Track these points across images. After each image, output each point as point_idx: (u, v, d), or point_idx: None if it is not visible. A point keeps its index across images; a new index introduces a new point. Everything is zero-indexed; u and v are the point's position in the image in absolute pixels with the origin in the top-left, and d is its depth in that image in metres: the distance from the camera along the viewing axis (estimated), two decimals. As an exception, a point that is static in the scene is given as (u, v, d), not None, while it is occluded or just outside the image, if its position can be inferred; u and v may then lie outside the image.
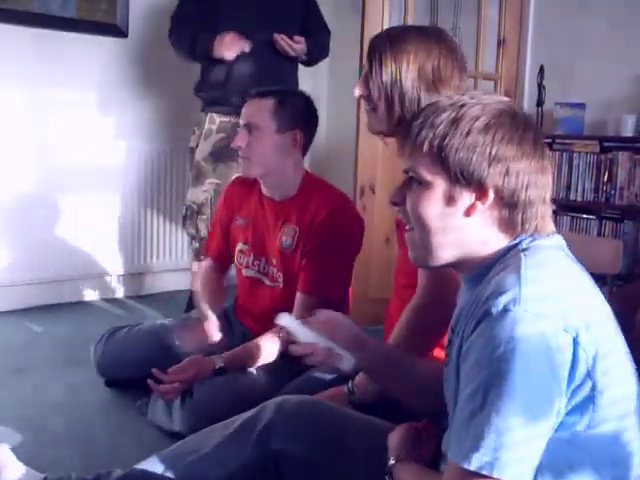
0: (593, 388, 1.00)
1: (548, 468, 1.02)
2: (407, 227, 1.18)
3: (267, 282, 2.26)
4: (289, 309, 2.11)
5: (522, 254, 1.07)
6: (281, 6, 3.08)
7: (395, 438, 1.32)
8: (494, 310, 0.99)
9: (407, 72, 1.57)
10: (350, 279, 2.27)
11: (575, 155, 3.49)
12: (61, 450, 1.99)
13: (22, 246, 3.38)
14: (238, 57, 2.99)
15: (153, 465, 1.47)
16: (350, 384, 1.69)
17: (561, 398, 0.99)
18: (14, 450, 1.58)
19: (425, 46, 1.58)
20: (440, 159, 1.09)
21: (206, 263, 2.50)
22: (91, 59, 3.47)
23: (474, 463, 0.97)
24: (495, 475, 0.96)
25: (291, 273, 2.17)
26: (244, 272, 2.32)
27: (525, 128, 1.10)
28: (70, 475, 1.51)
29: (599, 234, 3.43)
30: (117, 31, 3.52)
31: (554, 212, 3.81)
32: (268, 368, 2.09)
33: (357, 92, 1.65)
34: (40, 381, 2.51)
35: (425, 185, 1.11)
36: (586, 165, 3.46)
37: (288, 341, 1.39)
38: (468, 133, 1.08)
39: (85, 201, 3.54)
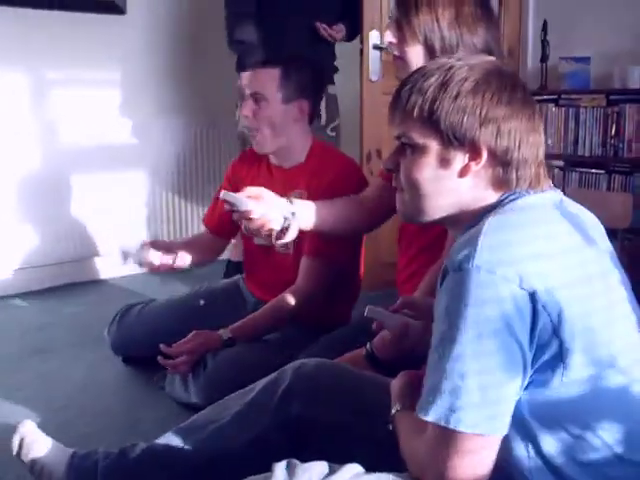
0: (560, 346, 1.00)
1: (541, 427, 1.03)
2: (398, 189, 1.19)
3: (280, 250, 2.27)
4: None
5: (494, 212, 1.08)
6: None
7: (397, 386, 1.34)
8: (451, 266, 1.01)
9: (443, 15, 1.57)
10: (360, 243, 2.28)
11: (582, 110, 3.46)
12: (85, 427, 2.03)
13: (44, 227, 3.43)
14: (276, 41, 2.94)
15: (175, 437, 1.49)
16: (369, 345, 1.70)
17: (525, 353, 0.99)
18: (39, 427, 1.60)
19: None
20: (431, 123, 1.10)
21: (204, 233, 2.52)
22: (89, 38, 3.46)
23: (431, 415, 1.00)
24: (452, 427, 0.99)
25: (301, 239, 2.18)
26: (255, 241, 2.33)
27: (513, 86, 1.11)
28: (97, 450, 1.54)
29: (608, 188, 3.42)
30: (115, 8, 3.50)
31: (562, 168, 3.77)
32: (281, 337, 2.11)
33: (389, 38, 1.64)
34: (61, 360, 2.55)
35: (418, 150, 1.12)
36: (593, 119, 3.43)
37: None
38: (457, 95, 1.09)
39: (101, 181, 3.56)
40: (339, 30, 3.05)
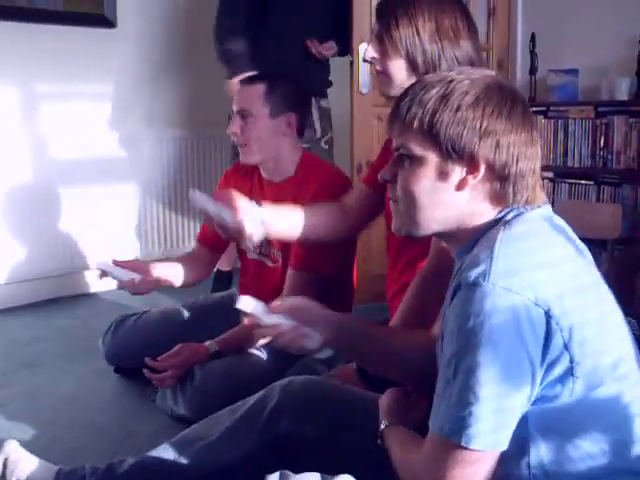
0: (571, 360, 1.01)
1: (541, 437, 1.04)
2: (392, 200, 1.19)
3: (269, 264, 2.27)
4: None
5: (502, 228, 1.08)
6: (315, 8, 3.05)
7: (385, 402, 1.33)
8: (465, 283, 1.01)
9: (424, 28, 1.57)
10: (350, 256, 2.28)
11: (570, 122, 3.48)
12: (74, 441, 2.01)
13: (34, 241, 3.43)
14: (266, 57, 2.93)
15: (164, 453, 1.48)
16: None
17: (535, 371, 1.00)
18: (27, 443, 1.59)
19: (439, 5, 1.59)
20: (431, 135, 1.10)
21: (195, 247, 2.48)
22: (80, 52, 3.45)
23: (445, 431, 1.00)
24: (463, 444, 0.99)
25: (289, 251, 2.18)
26: (248, 255, 2.34)
27: (513, 101, 1.11)
28: (84, 466, 1.52)
29: (598, 199, 3.42)
30: (105, 22, 3.50)
31: (552, 180, 3.79)
32: (269, 349, 2.10)
33: (371, 54, 1.64)
34: (50, 375, 2.53)
35: (417, 161, 1.12)
36: (582, 131, 3.45)
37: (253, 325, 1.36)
38: (458, 108, 1.08)
39: (92, 193, 3.55)
40: (330, 47, 3.07)
